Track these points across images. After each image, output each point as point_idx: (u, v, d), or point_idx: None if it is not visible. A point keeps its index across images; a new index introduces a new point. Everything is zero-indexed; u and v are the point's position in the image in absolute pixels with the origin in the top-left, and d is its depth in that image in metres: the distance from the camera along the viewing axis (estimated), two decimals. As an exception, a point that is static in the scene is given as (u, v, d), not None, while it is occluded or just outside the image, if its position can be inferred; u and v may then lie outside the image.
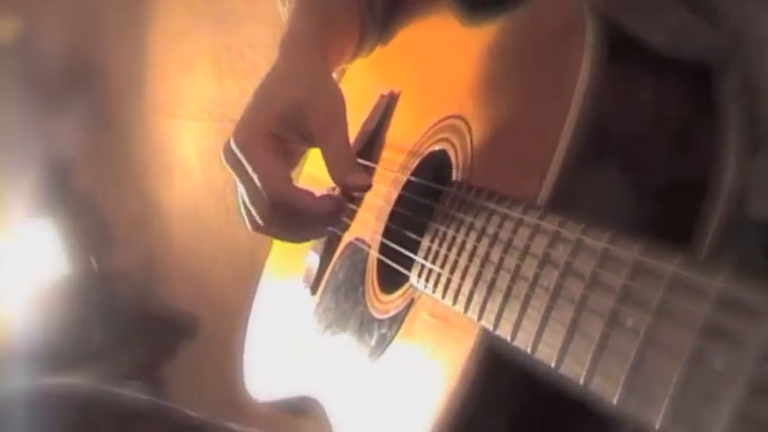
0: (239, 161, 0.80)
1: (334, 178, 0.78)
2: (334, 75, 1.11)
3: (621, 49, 0.61)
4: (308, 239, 0.90)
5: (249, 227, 0.84)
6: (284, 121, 0.80)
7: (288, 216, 0.80)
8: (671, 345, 0.39)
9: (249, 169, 0.79)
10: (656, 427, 0.39)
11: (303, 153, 0.87)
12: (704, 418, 0.37)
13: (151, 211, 2.03)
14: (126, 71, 1.92)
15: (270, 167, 0.79)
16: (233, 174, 0.82)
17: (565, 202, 0.55)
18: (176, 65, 1.84)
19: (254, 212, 0.81)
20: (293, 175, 0.84)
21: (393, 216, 0.82)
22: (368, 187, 0.79)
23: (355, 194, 0.84)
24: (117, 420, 0.82)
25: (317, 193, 0.81)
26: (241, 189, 0.81)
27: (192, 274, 1.99)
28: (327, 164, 0.78)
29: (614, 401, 0.42)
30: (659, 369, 0.40)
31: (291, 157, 0.84)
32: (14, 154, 1.78)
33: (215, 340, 1.59)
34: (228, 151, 0.81)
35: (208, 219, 1.88)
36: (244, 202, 0.82)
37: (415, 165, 0.82)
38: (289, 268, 1.08)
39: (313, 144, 0.82)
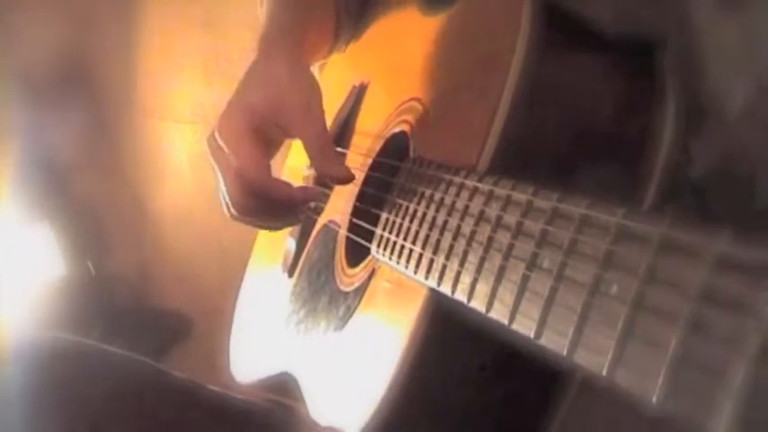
0: (221, 151, 0.83)
1: (316, 169, 0.82)
2: (314, 69, 1.15)
3: (560, 26, 0.65)
4: (281, 227, 0.93)
5: (227, 214, 0.88)
6: (264, 116, 0.83)
7: (264, 205, 0.83)
8: (619, 293, 0.39)
9: (231, 159, 0.82)
10: (604, 373, 0.39)
11: (282, 143, 0.90)
12: (648, 363, 0.37)
13: (144, 214, 2.06)
14: (118, 78, 1.95)
15: (250, 159, 0.82)
16: (214, 164, 0.86)
17: (504, 167, 0.59)
18: (167, 70, 1.88)
19: (231, 201, 0.84)
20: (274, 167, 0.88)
21: (360, 196, 0.86)
22: (347, 178, 0.82)
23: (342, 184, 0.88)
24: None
25: (294, 185, 0.85)
26: (221, 178, 0.85)
27: (184, 276, 2.02)
28: (308, 155, 0.82)
29: (564, 353, 0.42)
30: (607, 317, 0.39)
31: (272, 148, 0.88)
32: (11, 159, 1.81)
33: (207, 339, 1.62)
34: (212, 143, 0.85)
35: (200, 221, 1.91)
36: (223, 191, 0.86)
37: (380, 147, 0.85)
38: (270, 257, 1.11)
39: (293, 136, 0.86)
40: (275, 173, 0.85)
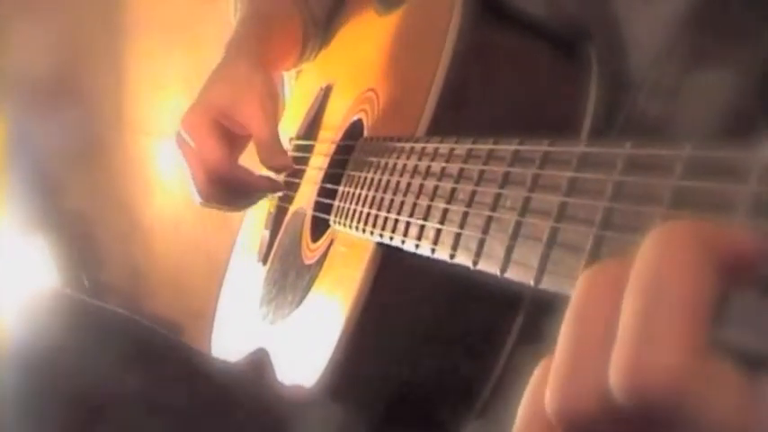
0: (187, 144, 0.91)
1: (261, 160, 0.90)
2: (287, 75, 1.23)
3: (492, 14, 0.72)
4: (243, 209, 1.01)
5: (196, 201, 0.95)
6: (222, 111, 0.91)
7: (226, 190, 0.91)
8: (583, 216, 0.38)
9: (195, 151, 0.90)
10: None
11: (248, 138, 0.97)
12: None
13: (135, 226, 2.11)
14: (107, 96, 2.01)
15: (211, 149, 0.90)
16: (181, 156, 0.93)
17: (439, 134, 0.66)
18: (152, 88, 1.94)
19: (197, 188, 0.92)
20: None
21: (324, 178, 0.93)
22: (288, 168, 0.92)
23: (283, 174, 0.96)
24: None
25: (257, 173, 0.93)
26: (187, 168, 0.92)
27: (173, 285, 2.07)
28: (256, 148, 0.90)
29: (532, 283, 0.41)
30: (574, 242, 0.39)
31: (236, 142, 0.94)
32: (4, 174, 1.86)
33: (196, 343, 1.66)
34: (178, 137, 0.93)
35: (188, 231, 1.97)
36: (190, 180, 0.93)
37: (341, 135, 0.93)
38: (248, 252, 1.18)
39: (247, 131, 0.93)
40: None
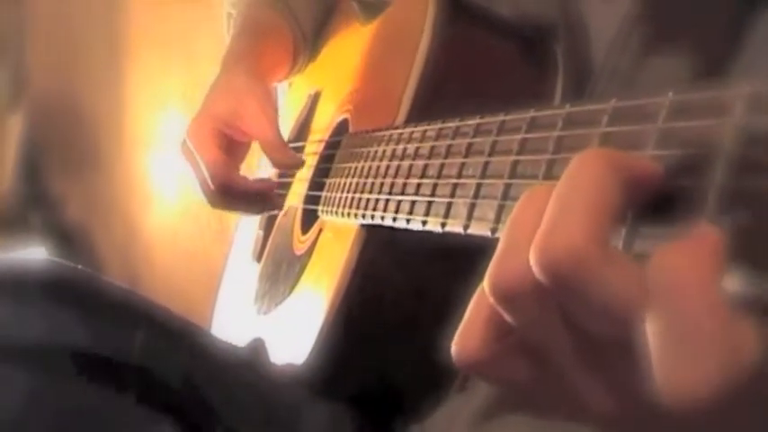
0: (192, 153, 0.96)
1: (271, 162, 0.95)
2: (285, 86, 1.28)
3: (464, 14, 0.78)
4: (257, 213, 1.06)
5: (208, 204, 1.01)
6: (226, 121, 0.96)
7: (231, 196, 0.96)
8: (531, 172, 0.42)
9: (199, 159, 0.95)
10: None
11: (249, 145, 1.02)
12: None
13: (134, 236, 2.16)
14: (108, 112, 2.06)
15: (214, 159, 0.95)
16: (187, 164, 0.98)
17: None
18: (152, 103, 1.99)
19: (205, 195, 0.97)
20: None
21: (313, 174, 0.98)
22: (300, 164, 0.96)
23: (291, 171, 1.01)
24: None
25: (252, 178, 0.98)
26: (194, 176, 0.98)
27: (172, 293, 2.11)
28: (264, 152, 0.95)
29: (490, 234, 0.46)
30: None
31: (238, 149, 1.00)
32: (7, 187, 1.90)
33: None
34: (184, 147, 0.98)
35: (185, 242, 2.01)
36: (198, 187, 0.98)
37: (329, 135, 0.98)
38: (243, 254, 1.23)
39: (251, 138, 0.98)
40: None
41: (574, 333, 0.33)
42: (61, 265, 0.71)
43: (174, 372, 0.62)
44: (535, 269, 0.31)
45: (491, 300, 0.35)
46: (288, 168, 0.97)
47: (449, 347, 0.76)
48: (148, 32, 1.77)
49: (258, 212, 1.08)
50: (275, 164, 0.95)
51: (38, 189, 2.05)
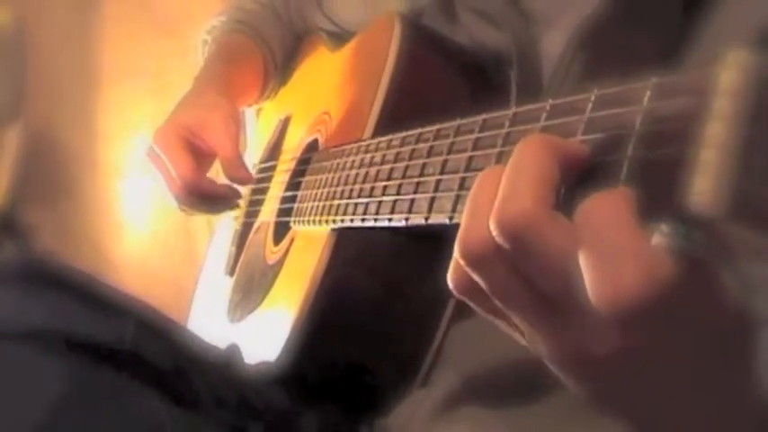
0: (159, 157, 1.02)
1: (225, 174, 1.01)
2: (253, 111, 1.34)
3: (425, 41, 0.85)
4: (219, 212, 1.12)
5: (177, 207, 1.06)
6: (191, 130, 1.02)
7: (199, 197, 1.02)
8: (482, 164, 0.49)
9: (166, 162, 1.01)
10: None
11: (213, 158, 1.08)
12: None
13: (105, 262, 2.18)
14: (79, 140, 2.09)
15: (182, 163, 1.00)
16: (154, 168, 1.04)
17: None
18: (124, 133, 2.03)
19: (174, 196, 1.02)
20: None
21: (285, 189, 1.03)
22: (248, 180, 1.04)
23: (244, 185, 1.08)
24: None
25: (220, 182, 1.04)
26: (162, 180, 1.03)
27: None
28: (221, 165, 1.01)
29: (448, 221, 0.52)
30: None
31: (203, 159, 1.05)
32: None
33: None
34: (151, 152, 1.04)
35: (155, 267, 2.04)
36: (166, 190, 1.03)
37: (300, 153, 1.04)
38: (215, 270, 1.27)
39: (212, 149, 1.04)
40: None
41: (528, 289, 0.40)
42: (55, 261, 0.76)
43: (164, 357, 0.67)
44: (495, 232, 0.38)
45: (461, 263, 0.41)
46: (237, 182, 1.04)
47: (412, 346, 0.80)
48: (121, 63, 1.82)
49: (220, 212, 1.13)
50: (229, 177, 1.02)
51: (9, 217, 2.07)
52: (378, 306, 0.78)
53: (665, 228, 0.35)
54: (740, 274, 0.37)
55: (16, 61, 1.70)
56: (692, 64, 0.38)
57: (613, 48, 0.76)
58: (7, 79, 1.71)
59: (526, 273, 0.39)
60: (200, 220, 1.58)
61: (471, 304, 0.44)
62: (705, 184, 0.32)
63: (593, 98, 0.40)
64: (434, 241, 0.67)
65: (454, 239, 0.45)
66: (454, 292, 0.44)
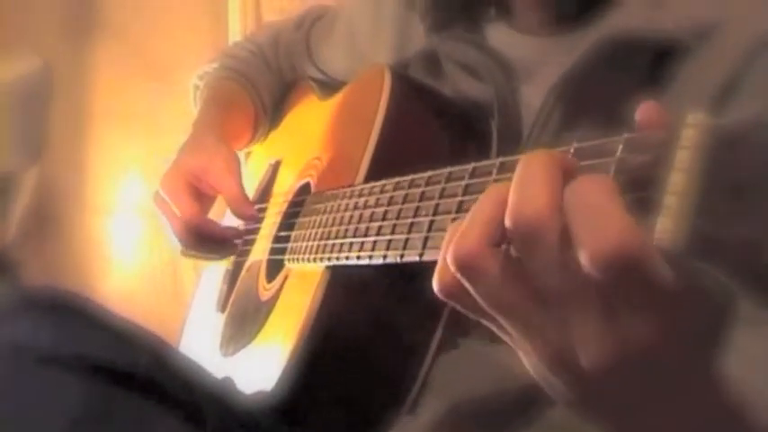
0: (165, 202, 1.07)
1: (234, 213, 1.06)
2: (242, 155, 1.39)
3: (413, 92, 0.91)
4: (220, 258, 1.16)
5: (179, 251, 1.11)
6: (195, 175, 1.07)
7: (202, 240, 1.06)
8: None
9: (173, 206, 1.06)
10: None
11: (214, 199, 1.13)
12: None
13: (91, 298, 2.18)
14: (69, 179, 2.12)
15: (188, 207, 1.05)
16: (161, 212, 1.08)
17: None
18: (113, 171, 2.07)
19: (178, 239, 1.07)
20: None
21: (277, 229, 1.08)
22: (256, 217, 1.07)
23: (250, 223, 1.11)
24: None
25: (222, 224, 1.09)
26: (168, 224, 1.07)
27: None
28: (228, 204, 1.06)
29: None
30: None
31: (206, 200, 1.10)
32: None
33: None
34: (157, 197, 1.08)
35: (141, 306, 2.06)
36: (171, 233, 1.08)
37: (291, 196, 1.09)
38: (205, 307, 1.31)
39: (217, 192, 1.09)
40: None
41: (520, 287, 0.44)
42: (68, 291, 0.81)
43: (176, 383, 0.71)
44: (511, 229, 0.43)
45: (452, 269, 0.45)
46: (247, 220, 1.08)
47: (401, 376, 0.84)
48: (113, 104, 1.86)
49: (223, 257, 1.17)
50: (237, 215, 1.06)
51: (-1, 252, 2.09)
52: (369, 339, 0.82)
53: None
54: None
55: (42, 106, 1.74)
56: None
57: (589, 100, 0.83)
58: (33, 123, 1.75)
59: (523, 270, 0.44)
60: (187, 260, 1.62)
61: (458, 306, 0.48)
62: (668, 225, 0.38)
63: (572, 150, 0.45)
64: (423, 276, 0.72)
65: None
66: (440, 295, 0.47)
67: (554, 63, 0.87)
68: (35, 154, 1.75)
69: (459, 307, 0.48)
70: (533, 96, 0.89)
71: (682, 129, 0.38)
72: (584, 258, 0.40)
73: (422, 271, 0.63)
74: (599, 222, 0.40)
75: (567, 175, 0.43)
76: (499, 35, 0.95)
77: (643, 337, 0.42)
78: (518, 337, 0.47)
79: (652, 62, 0.80)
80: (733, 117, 0.38)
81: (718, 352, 0.45)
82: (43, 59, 1.71)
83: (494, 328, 0.48)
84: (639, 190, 0.40)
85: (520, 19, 0.93)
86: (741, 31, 0.77)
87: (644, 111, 0.43)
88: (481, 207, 0.46)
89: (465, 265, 0.45)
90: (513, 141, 0.88)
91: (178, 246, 1.09)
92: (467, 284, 0.45)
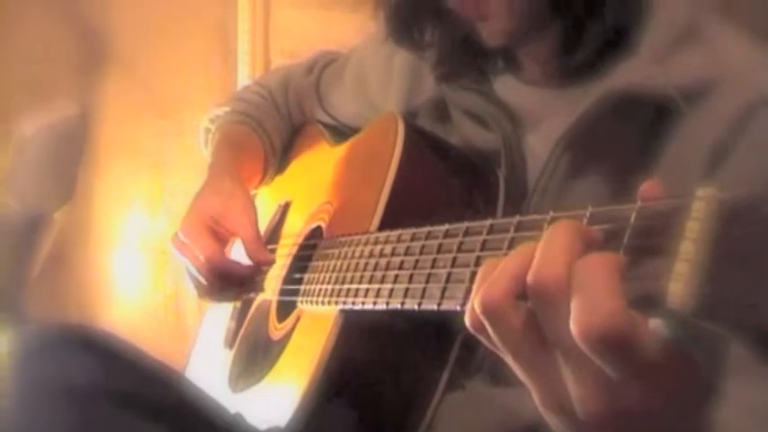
0: (185, 244, 1.10)
1: (249, 257, 1.09)
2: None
3: (425, 142, 0.95)
4: (235, 299, 1.18)
5: (196, 293, 1.13)
6: (214, 218, 1.10)
7: (221, 278, 1.09)
8: None
9: (193, 248, 1.08)
10: None
11: (230, 239, 1.16)
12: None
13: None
14: (74, 213, 2.14)
15: (209, 247, 1.08)
16: (180, 255, 1.11)
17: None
18: (119, 207, 2.10)
19: (199, 280, 1.09)
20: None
21: (289, 271, 1.10)
22: (272, 262, 1.10)
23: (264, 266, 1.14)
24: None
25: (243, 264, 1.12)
26: (188, 265, 1.10)
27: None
28: (245, 247, 1.09)
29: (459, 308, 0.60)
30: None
31: (223, 241, 1.13)
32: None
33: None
34: (176, 240, 1.11)
35: (144, 338, 2.07)
36: (191, 275, 1.11)
37: (302, 238, 1.12)
38: (212, 344, 1.33)
39: (233, 235, 1.12)
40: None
41: (531, 334, 0.49)
42: (96, 328, 0.85)
43: (200, 415, 0.74)
44: (530, 287, 0.47)
45: (479, 313, 0.50)
46: (260, 264, 1.11)
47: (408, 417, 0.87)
48: (120, 140, 1.90)
49: (239, 296, 1.20)
50: (253, 258, 1.09)
51: None
52: (380, 379, 0.85)
53: (656, 320, 0.44)
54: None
55: (77, 151, 1.79)
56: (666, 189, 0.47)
57: (595, 151, 0.87)
58: (68, 167, 1.79)
59: (537, 321, 0.48)
60: (190, 295, 1.65)
61: (480, 338, 0.52)
62: (679, 290, 0.41)
63: (587, 214, 0.49)
64: (431, 324, 0.76)
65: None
66: (469, 329, 0.52)
67: (559, 114, 0.91)
68: (67, 196, 1.78)
69: (482, 341, 0.52)
70: (539, 146, 0.93)
71: (692, 201, 0.42)
72: (573, 332, 0.44)
73: (430, 316, 0.67)
74: (591, 302, 0.44)
75: (587, 245, 0.47)
76: (506, 86, 0.99)
77: (633, 399, 0.46)
78: (523, 375, 0.51)
79: (653, 116, 0.85)
80: (739, 191, 0.41)
81: (708, 407, 0.49)
82: (80, 106, 1.75)
83: (509, 363, 0.52)
84: (652, 256, 0.44)
85: (526, 71, 0.98)
86: (737, 92, 0.81)
87: (647, 190, 0.47)
88: (511, 262, 0.50)
89: (488, 311, 0.49)
90: (519, 190, 0.92)
91: (193, 289, 1.11)
92: (488, 326, 0.50)
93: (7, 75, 2.07)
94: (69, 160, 1.74)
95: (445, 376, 0.86)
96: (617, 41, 0.85)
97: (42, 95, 2.01)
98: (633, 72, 0.84)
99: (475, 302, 0.50)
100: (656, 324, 0.45)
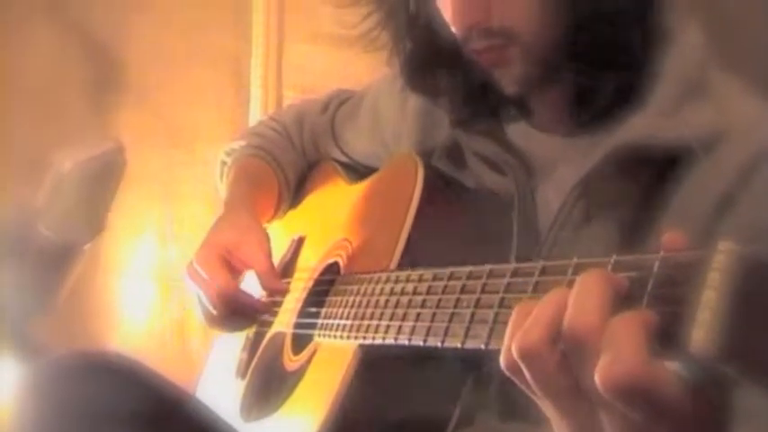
0: (199, 274, 1.12)
1: (263, 288, 1.11)
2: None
3: (442, 184, 0.98)
4: (242, 329, 1.21)
5: (205, 323, 1.15)
6: (229, 250, 1.13)
7: (231, 309, 1.11)
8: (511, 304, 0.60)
9: (207, 279, 1.11)
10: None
11: (243, 272, 1.18)
12: None
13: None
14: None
15: (224, 279, 1.11)
16: (193, 284, 1.14)
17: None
18: (130, 236, 2.12)
19: (211, 310, 1.12)
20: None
21: (303, 305, 1.13)
22: (286, 291, 1.13)
23: (278, 297, 1.17)
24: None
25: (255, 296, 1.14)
26: (200, 294, 1.12)
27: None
28: (259, 279, 1.11)
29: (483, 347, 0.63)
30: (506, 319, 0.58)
31: (236, 273, 1.16)
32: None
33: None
34: (191, 270, 1.14)
35: (149, 362, 2.08)
36: (202, 305, 1.13)
37: (318, 273, 1.15)
38: (223, 373, 1.35)
39: (247, 266, 1.15)
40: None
41: (569, 376, 0.52)
42: (115, 353, 0.89)
43: None
44: (566, 334, 0.50)
45: (515, 355, 0.53)
46: (276, 292, 1.14)
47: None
48: (131, 168, 1.91)
49: (246, 327, 1.22)
50: (266, 288, 1.11)
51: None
52: (396, 412, 0.88)
53: (677, 364, 0.47)
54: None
55: (113, 185, 1.83)
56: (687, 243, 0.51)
57: (607, 199, 0.90)
58: (102, 200, 1.82)
59: (570, 367, 0.51)
60: (196, 323, 1.67)
61: (514, 379, 0.55)
62: (701, 336, 0.44)
63: (612, 261, 0.52)
64: (450, 360, 0.79)
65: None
66: (505, 371, 0.55)
67: (571, 163, 0.94)
68: (99, 228, 1.82)
69: (517, 382, 0.55)
70: (551, 194, 0.96)
71: (714, 253, 0.45)
72: (596, 381, 0.47)
73: (443, 353, 0.70)
74: (616, 355, 0.47)
75: (616, 293, 0.50)
76: (519, 132, 1.02)
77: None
78: (556, 416, 0.54)
79: (664, 165, 0.88)
80: (757, 246, 0.44)
81: None
82: (117, 140, 1.78)
83: (539, 404, 0.55)
84: (674, 304, 0.47)
85: (538, 118, 1.01)
86: (742, 145, 0.84)
87: (670, 241, 0.50)
88: (547, 308, 0.53)
89: (525, 356, 0.52)
90: (531, 235, 0.94)
91: (204, 319, 1.13)
92: (524, 369, 0.53)
93: (20, 103, 2.10)
94: (105, 194, 1.78)
95: (457, 412, 0.89)
96: (628, 94, 0.88)
97: (57, 124, 2.04)
98: (643, 124, 0.87)
99: (513, 346, 0.53)
100: (676, 366, 0.48)
